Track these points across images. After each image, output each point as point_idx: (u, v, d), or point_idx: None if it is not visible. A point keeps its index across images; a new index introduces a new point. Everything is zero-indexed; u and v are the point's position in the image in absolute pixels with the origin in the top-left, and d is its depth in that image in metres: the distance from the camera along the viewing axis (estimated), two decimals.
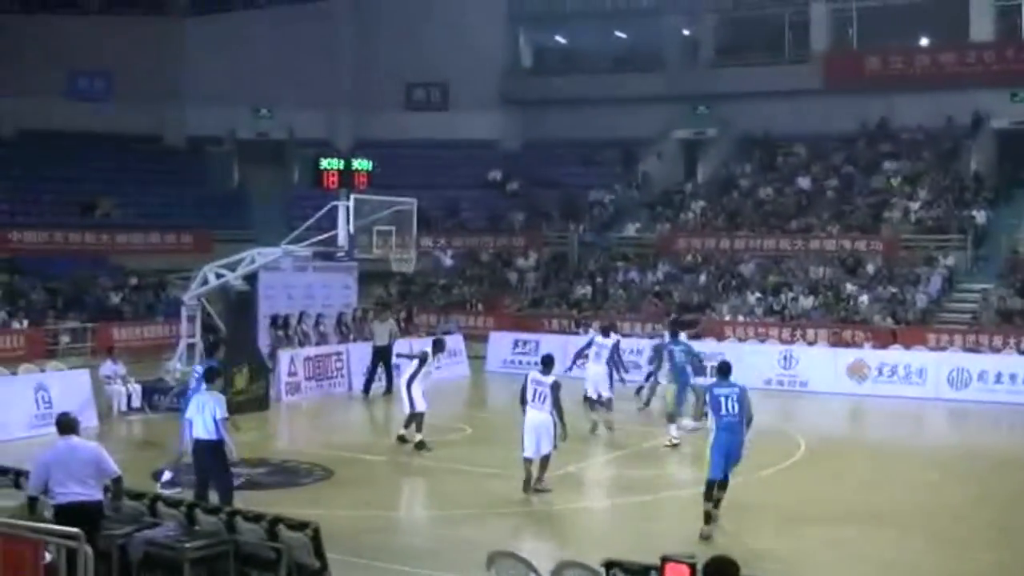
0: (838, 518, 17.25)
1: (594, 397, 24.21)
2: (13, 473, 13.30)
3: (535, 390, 18.38)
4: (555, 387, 18.38)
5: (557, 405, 18.30)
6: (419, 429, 22.05)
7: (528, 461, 18.41)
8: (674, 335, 24.77)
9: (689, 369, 23.42)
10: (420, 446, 21.80)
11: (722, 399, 16.12)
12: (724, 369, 17.04)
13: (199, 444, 15.21)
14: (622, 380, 25.41)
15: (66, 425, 12.46)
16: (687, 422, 21.27)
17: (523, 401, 18.52)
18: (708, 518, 15.95)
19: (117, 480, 12.18)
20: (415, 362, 22.52)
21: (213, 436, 15.07)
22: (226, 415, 15.27)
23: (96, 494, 11.96)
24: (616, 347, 24.93)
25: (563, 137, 50.39)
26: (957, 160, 43.65)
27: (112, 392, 25.41)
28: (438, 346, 23.47)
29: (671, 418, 22.68)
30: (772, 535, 16.00)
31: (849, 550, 15.31)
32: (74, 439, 12.32)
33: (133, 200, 46.24)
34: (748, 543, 14.74)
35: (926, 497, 19.18)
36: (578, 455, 21.36)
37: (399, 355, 26.65)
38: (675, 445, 22.32)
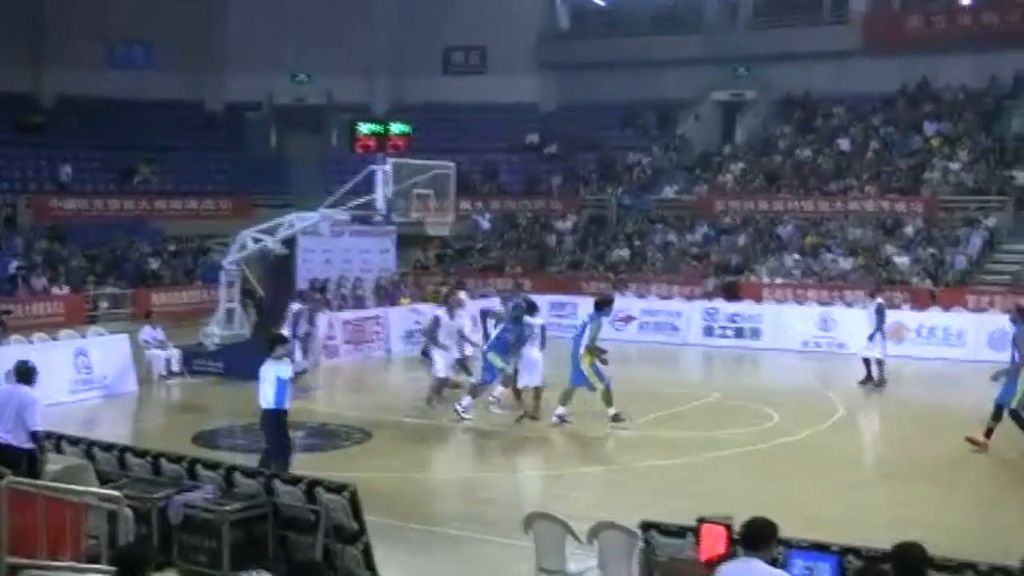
0: (879, 481, 17.16)
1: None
2: None
3: (533, 331, 21.20)
4: (543, 328, 21.72)
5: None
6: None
7: (539, 389, 20.92)
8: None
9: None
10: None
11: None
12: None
13: (262, 413, 15.31)
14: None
15: (18, 373, 13.42)
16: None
17: (521, 343, 20.91)
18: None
19: (33, 434, 12.88)
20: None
21: (271, 406, 15.09)
22: (291, 375, 15.57)
23: (22, 442, 12.84)
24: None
25: (601, 100, 50.03)
26: (998, 121, 43.17)
27: (152, 357, 25.57)
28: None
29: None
30: (814, 498, 15.86)
31: (898, 513, 14.94)
32: (21, 388, 13.22)
33: (172, 166, 46.40)
34: (790, 506, 14.63)
35: (972, 461, 18.71)
36: None
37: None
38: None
